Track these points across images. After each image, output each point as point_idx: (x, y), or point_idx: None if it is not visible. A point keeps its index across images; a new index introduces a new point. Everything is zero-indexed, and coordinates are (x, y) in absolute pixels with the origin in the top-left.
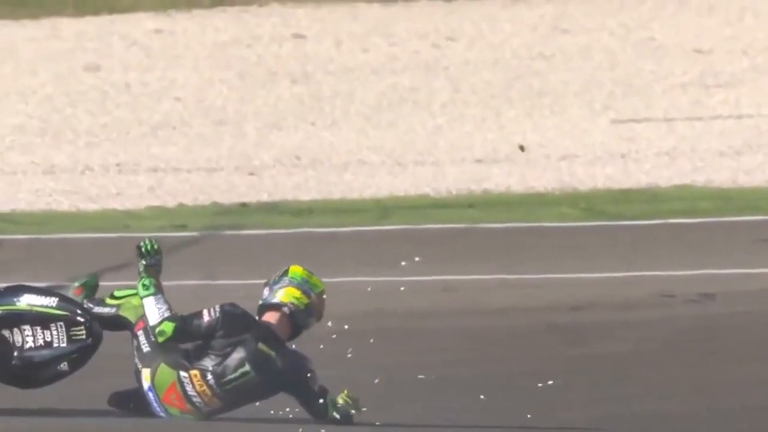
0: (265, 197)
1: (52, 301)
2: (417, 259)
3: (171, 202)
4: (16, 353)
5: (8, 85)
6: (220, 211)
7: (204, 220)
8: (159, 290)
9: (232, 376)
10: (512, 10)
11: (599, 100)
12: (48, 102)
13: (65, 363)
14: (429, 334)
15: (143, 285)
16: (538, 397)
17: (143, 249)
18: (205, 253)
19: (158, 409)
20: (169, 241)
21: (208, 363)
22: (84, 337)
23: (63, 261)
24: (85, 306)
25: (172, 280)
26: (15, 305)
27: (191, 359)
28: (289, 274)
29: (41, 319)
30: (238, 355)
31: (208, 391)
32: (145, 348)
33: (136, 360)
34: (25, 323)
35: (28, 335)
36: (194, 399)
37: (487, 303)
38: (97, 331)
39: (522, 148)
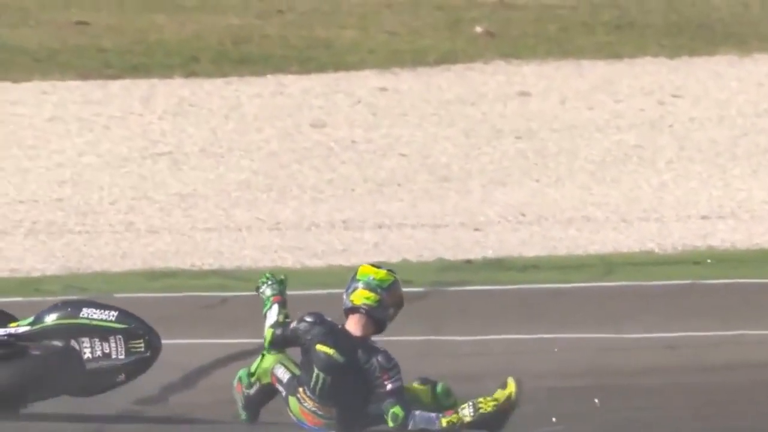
0: (489, 253)
1: (112, 315)
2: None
3: (396, 258)
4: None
5: (234, 141)
6: (445, 267)
7: (429, 276)
8: (276, 303)
9: (313, 382)
10: (738, 67)
11: None
12: (273, 158)
13: (123, 374)
14: (653, 391)
15: (264, 304)
16: None
17: (259, 285)
18: (430, 309)
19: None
20: None
21: (303, 378)
22: (143, 349)
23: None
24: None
25: (397, 335)
26: (74, 318)
27: (299, 380)
28: (358, 277)
29: (100, 332)
30: (308, 361)
31: (316, 402)
32: (283, 392)
33: (285, 405)
34: (84, 335)
35: (86, 347)
36: (317, 412)
37: (711, 360)
38: (155, 343)
39: None
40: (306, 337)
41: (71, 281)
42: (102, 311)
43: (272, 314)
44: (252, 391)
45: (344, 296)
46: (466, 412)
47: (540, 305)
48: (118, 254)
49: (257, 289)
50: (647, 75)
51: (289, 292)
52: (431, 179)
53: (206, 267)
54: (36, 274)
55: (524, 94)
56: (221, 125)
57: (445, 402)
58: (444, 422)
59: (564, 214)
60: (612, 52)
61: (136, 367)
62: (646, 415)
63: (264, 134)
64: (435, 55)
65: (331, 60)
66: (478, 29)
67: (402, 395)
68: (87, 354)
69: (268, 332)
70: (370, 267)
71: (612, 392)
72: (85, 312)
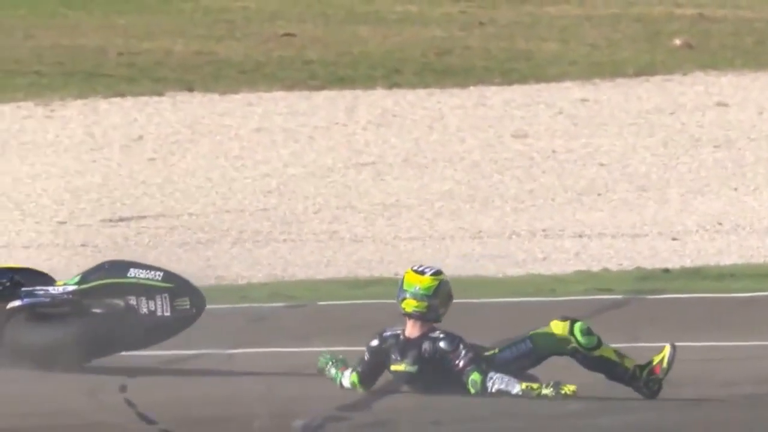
0: (687, 263)
1: (158, 274)
2: None
3: (596, 267)
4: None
5: (437, 152)
6: (643, 276)
7: (628, 285)
8: (338, 364)
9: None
10: None
11: None
12: (475, 168)
13: (169, 330)
14: None
15: (334, 378)
16: None
17: (322, 367)
18: (628, 317)
19: None
20: (594, 304)
21: None
22: (188, 306)
23: (489, 324)
24: None
25: None
26: (122, 278)
27: None
28: (405, 287)
29: (147, 291)
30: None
31: None
32: None
33: None
34: (131, 294)
35: (132, 304)
36: None
37: None
38: (200, 302)
39: None
40: (383, 360)
41: (276, 289)
42: (148, 271)
43: (347, 373)
44: None
45: (396, 302)
46: (548, 390)
47: (735, 313)
48: (322, 262)
49: (321, 371)
50: None
51: (487, 300)
52: (630, 188)
53: None
54: (242, 282)
55: (722, 104)
56: (424, 136)
57: (582, 339)
58: (523, 386)
59: (761, 222)
60: None
61: (181, 323)
62: None
63: (466, 145)
64: (634, 66)
65: (533, 71)
66: (677, 42)
67: (476, 363)
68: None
69: (353, 377)
70: (414, 275)
71: None
72: (132, 272)
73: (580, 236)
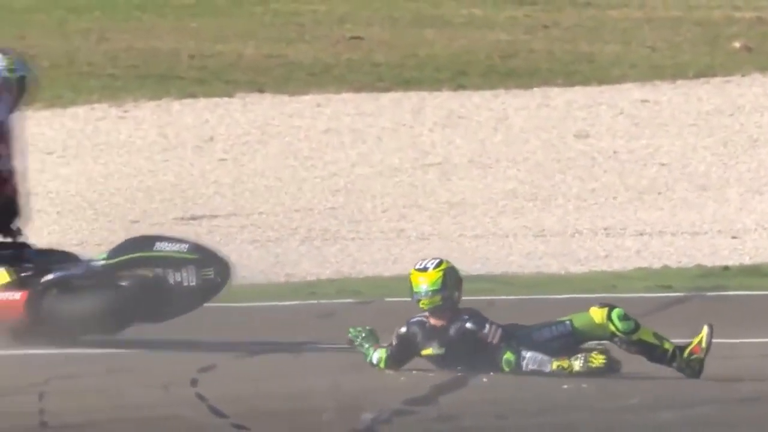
0: (746, 260)
1: (183, 246)
2: None
3: (656, 264)
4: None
5: (501, 152)
6: (703, 273)
7: (688, 282)
8: (369, 338)
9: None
10: None
11: None
12: (539, 168)
13: (196, 300)
14: None
15: (365, 354)
16: None
17: (353, 338)
18: (688, 313)
19: None
20: (654, 302)
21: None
22: (212, 276)
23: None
24: None
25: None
26: (149, 251)
27: None
28: (415, 290)
29: (174, 263)
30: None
31: None
32: None
33: None
34: (158, 266)
35: (160, 275)
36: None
37: None
38: (225, 272)
39: None
40: (412, 346)
41: (344, 285)
42: (174, 244)
43: (376, 353)
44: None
45: (413, 302)
46: (577, 363)
47: None
48: (389, 260)
49: (351, 342)
50: None
51: (549, 296)
52: (690, 188)
53: (473, 272)
54: (310, 278)
55: None
56: (489, 137)
57: (619, 325)
58: (554, 365)
59: None
60: None
61: (207, 293)
62: None
63: (530, 145)
64: (694, 68)
65: (595, 73)
66: (736, 44)
67: (508, 340)
68: None
69: (382, 356)
70: (418, 274)
71: None
72: (159, 245)
73: (641, 234)
